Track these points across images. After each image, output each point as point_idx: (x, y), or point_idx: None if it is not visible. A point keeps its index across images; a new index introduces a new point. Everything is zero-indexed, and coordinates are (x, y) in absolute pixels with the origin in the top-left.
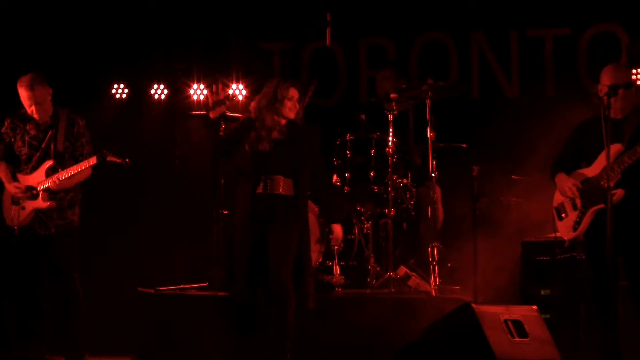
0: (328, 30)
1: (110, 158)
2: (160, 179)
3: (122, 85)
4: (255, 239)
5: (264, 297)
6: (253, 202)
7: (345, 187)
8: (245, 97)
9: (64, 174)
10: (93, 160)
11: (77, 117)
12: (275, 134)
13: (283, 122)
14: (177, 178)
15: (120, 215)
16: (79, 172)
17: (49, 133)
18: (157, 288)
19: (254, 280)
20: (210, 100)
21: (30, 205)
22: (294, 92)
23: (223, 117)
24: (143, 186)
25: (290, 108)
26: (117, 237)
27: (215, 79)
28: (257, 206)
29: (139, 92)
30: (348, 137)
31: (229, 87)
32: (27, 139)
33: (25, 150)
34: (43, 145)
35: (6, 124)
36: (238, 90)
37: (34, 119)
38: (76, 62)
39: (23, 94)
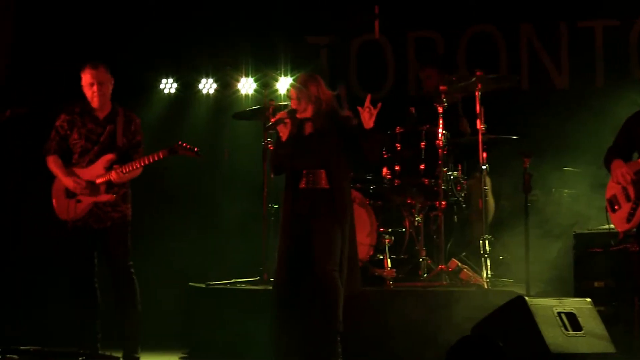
0: (376, 24)
1: (182, 151)
2: (210, 174)
3: (170, 80)
4: (298, 234)
5: (310, 292)
6: (295, 197)
7: (395, 181)
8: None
9: (128, 167)
10: (164, 153)
11: (134, 115)
12: (307, 129)
13: (304, 115)
14: (227, 172)
15: (171, 210)
16: (143, 165)
17: (108, 128)
18: (208, 283)
19: (298, 275)
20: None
21: (88, 198)
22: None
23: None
24: (193, 181)
25: (293, 103)
26: (168, 232)
27: (264, 73)
28: (296, 201)
29: (187, 86)
30: (397, 130)
31: (277, 81)
32: (84, 132)
33: (81, 143)
34: (102, 139)
35: (62, 117)
36: (286, 84)
37: (92, 113)
38: (124, 56)
39: (86, 75)
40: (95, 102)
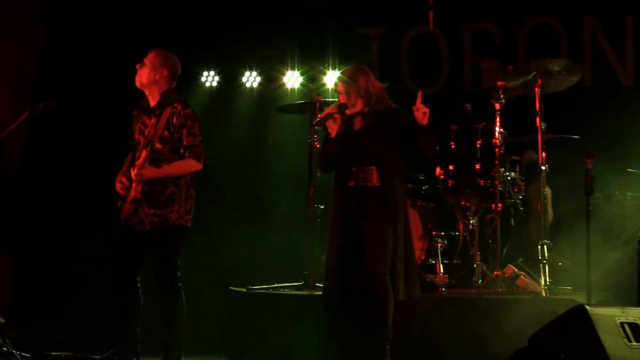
0: (430, 15)
1: None
2: (253, 172)
3: (212, 73)
4: (348, 234)
5: (359, 296)
6: (345, 196)
7: (449, 181)
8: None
9: (141, 162)
10: (156, 145)
11: (179, 106)
12: (356, 124)
13: (354, 110)
14: (271, 170)
15: (212, 210)
16: (170, 152)
17: (152, 120)
18: (249, 287)
19: (348, 278)
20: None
21: (129, 197)
22: (339, 86)
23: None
24: (235, 180)
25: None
26: (209, 232)
27: (311, 66)
28: (347, 201)
29: (230, 79)
30: (452, 127)
31: (325, 74)
32: (138, 125)
33: (136, 137)
34: (146, 133)
35: (134, 111)
36: (334, 78)
37: (146, 105)
38: (163, 48)
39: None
40: (138, 84)
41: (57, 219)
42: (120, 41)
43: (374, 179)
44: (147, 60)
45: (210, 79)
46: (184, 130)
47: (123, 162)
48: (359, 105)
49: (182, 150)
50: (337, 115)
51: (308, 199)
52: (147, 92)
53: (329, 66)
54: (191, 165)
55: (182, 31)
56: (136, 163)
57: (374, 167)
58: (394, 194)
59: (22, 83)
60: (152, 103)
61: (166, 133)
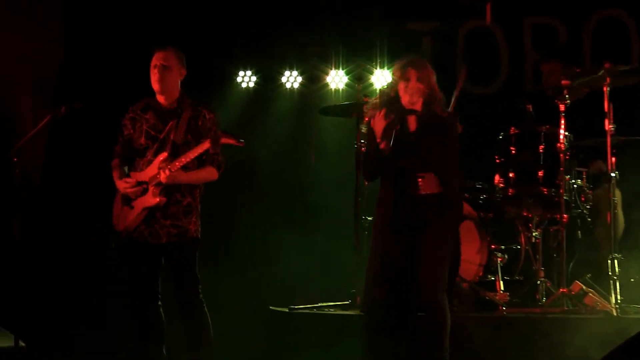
0: (488, 8)
1: (224, 140)
2: (294, 181)
3: (249, 73)
4: (398, 246)
5: (412, 316)
6: (396, 206)
7: (509, 190)
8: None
9: (175, 164)
10: (206, 144)
11: (205, 109)
12: (411, 124)
13: (415, 107)
14: (313, 178)
15: (248, 223)
16: (199, 162)
17: (170, 123)
18: (291, 306)
19: (398, 296)
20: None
21: (140, 203)
22: (405, 73)
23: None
24: (274, 188)
25: (404, 90)
26: (246, 247)
27: (357, 64)
28: (401, 210)
29: (268, 80)
30: (512, 130)
31: (372, 73)
32: (145, 127)
33: (141, 140)
34: (161, 136)
35: (126, 115)
36: (383, 78)
37: (156, 107)
38: (195, 46)
39: (153, 58)
40: (155, 87)
41: (80, 233)
42: (145, 39)
43: (434, 186)
44: (170, 63)
45: (246, 79)
46: (209, 137)
47: (119, 170)
48: (419, 102)
49: (203, 157)
50: (391, 116)
51: (355, 211)
52: (163, 76)
53: (376, 65)
54: (211, 173)
55: (215, 28)
56: (162, 165)
57: (432, 173)
58: (455, 203)
59: (42, 84)
60: (166, 104)
61: (189, 137)
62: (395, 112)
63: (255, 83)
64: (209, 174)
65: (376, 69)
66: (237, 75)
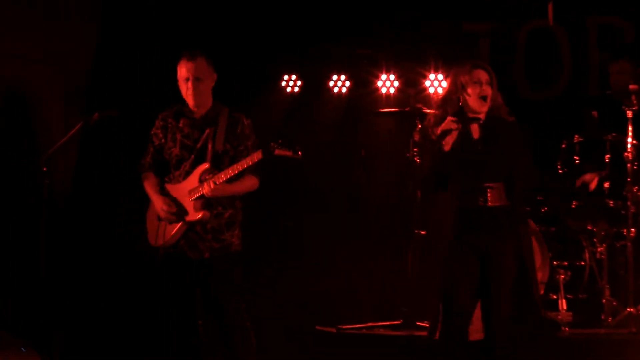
0: (550, 7)
1: (279, 151)
2: (341, 190)
3: (294, 77)
4: (468, 265)
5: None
6: (463, 219)
7: (573, 202)
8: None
9: (221, 176)
10: (258, 155)
11: (242, 116)
12: (473, 132)
13: (479, 115)
14: (362, 188)
15: (291, 235)
16: (239, 172)
17: (207, 131)
18: (339, 326)
19: (466, 319)
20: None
21: (180, 219)
22: (479, 74)
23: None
24: (320, 200)
25: (479, 94)
26: (289, 261)
27: (409, 68)
28: (468, 224)
29: (314, 84)
30: (576, 138)
31: (425, 78)
32: (179, 137)
33: (176, 151)
34: (198, 146)
35: (156, 123)
36: (437, 82)
37: (189, 115)
38: (238, 49)
39: (181, 68)
40: (190, 101)
41: (113, 248)
42: (183, 42)
43: (503, 198)
44: (203, 74)
45: (291, 83)
46: (249, 143)
47: (155, 185)
48: (484, 109)
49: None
50: (458, 125)
51: (407, 223)
52: (195, 88)
53: (430, 68)
54: (254, 184)
55: (258, 30)
56: (204, 177)
57: (501, 184)
58: (523, 216)
59: (74, 89)
60: (200, 111)
61: (227, 146)
62: (458, 119)
63: (301, 87)
64: (251, 185)
65: (430, 72)
66: (281, 79)
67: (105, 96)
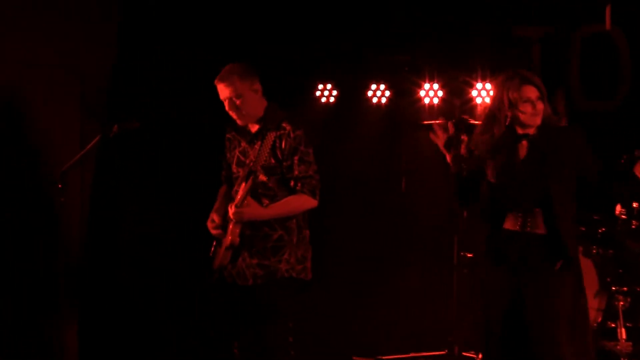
0: (608, 10)
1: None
2: (380, 209)
3: (329, 86)
4: (509, 292)
5: None
6: (503, 246)
7: (633, 222)
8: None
9: (238, 197)
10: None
11: (290, 125)
12: (520, 150)
13: (529, 130)
14: (403, 206)
15: (326, 257)
16: (275, 186)
17: (256, 145)
18: (378, 357)
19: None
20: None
21: (224, 241)
22: (529, 92)
23: (465, 126)
24: (358, 218)
25: (532, 113)
26: (323, 286)
27: (454, 76)
28: (509, 251)
29: (351, 94)
30: (637, 153)
31: (472, 87)
32: (237, 153)
33: (234, 168)
34: (248, 161)
35: (226, 135)
36: (485, 92)
37: (245, 127)
38: (267, 56)
39: (219, 92)
40: (238, 121)
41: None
42: (211, 48)
43: (543, 225)
44: (239, 91)
45: (326, 93)
46: (295, 158)
47: (219, 198)
48: (534, 126)
49: (292, 183)
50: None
51: (452, 245)
52: (234, 108)
53: (477, 77)
54: (304, 202)
55: (288, 35)
56: (236, 199)
57: (539, 210)
58: (569, 243)
59: (92, 98)
60: (248, 121)
61: (272, 161)
62: (502, 137)
63: (337, 97)
64: (301, 203)
65: (477, 81)
66: (315, 89)
67: (125, 106)
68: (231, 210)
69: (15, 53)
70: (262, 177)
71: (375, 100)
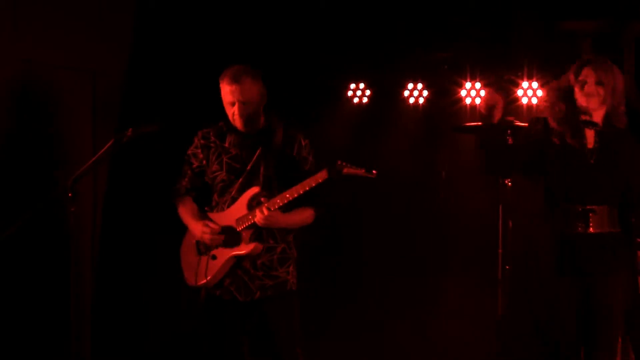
0: None
1: (347, 170)
2: (418, 217)
3: (362, 86)
4: (571, 301)
5: None
6: (565, 248)
7: None
8: (543, 99)
9: (276, 201)
10: (322, 176)
11: (299, 134)
12: (584, 141)
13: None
14: (442, 215)
15: (358, 268)
16: (295, 197)
17: (258, 151)
18: None
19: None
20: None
21: (225, 252)
22: (588, 72)
23: (510, 127)
24: (394, 227)
25: (589, 94)
26: (359, 301)
27: (498, 75)
28: (572, 253)
29: (386, 94)
30: None
31: (518, 85)
32: (225, 159)
33: (222, 176)
34: (248, 168)
35: (195, 141)
36: (531, 91)
37: (236, 132)
38: (294, 54)
39: (225, 89)
40: (237, 125)
41: (152, 286)
42: (231, 47)
43: (610, 224)
44: (250, 97)
45: (359, 93)
46: (305, 167)
47: (191, 210)
48: (600, 113)
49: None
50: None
51: (498, 256)
52: (242, 110)
53: (522, 75)
54: (308, 216)
55: (316, 32)
56: (244, 205)
57: (608, 208)
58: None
59: (104, 99)
60: (250, 126)
61: (280, 169)
62: (567, 124)
63: (369, 98)
64: (306, 217)
65: (522, 80)
66: (347, 89)
67: (141, 108)
68: (261, 214)
69: (19, 51)
70: (268, 184)
71: (412, 100)
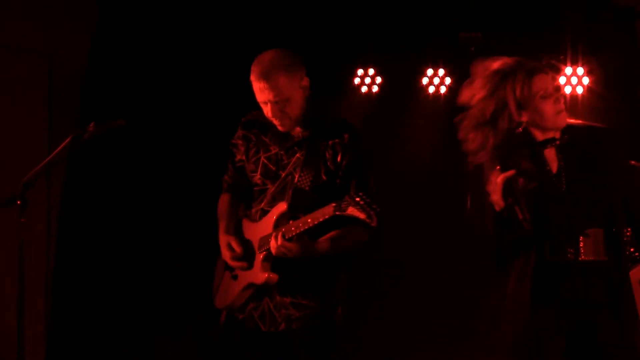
0: None
1: (352, 210)
2: (441, 221)
3: (371, 72)
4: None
5: None
6: (544, 280)
7: None
8: (588, 87)
9: (291, 229)
10: (328, 211)
11: (348, 131)
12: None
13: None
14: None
15: (382, 281)
16: (319, 222)
17: (297, 155)
18: None
19: None
20: None
21: (243, 277)
22: (543, 82)
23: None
24: (413, 232)
25: (556, 112)
26: (385, 317)
27: (534, 58)
28: (552, 287)
29: (400, 81)
30: None
31: (560, 72)
32: (263, 158)
33: (257, 178)
34: (283, 174)
35: (238, 130)
36: (575, 78)
37: (277, 128)
38: (297, 38)
39: (254, 85)
40: (276, 123)
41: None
42: (214, 26)
43: (602, 250)
44: (285, 94)
45: (368, 80)
46: (355, 178)
47: (226, 214)
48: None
49: (344, 205)
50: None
51: None
52: (276, 111)
53: (565, 59)
54: (361, 235)
55: (322, 15)
56: (270, 223)
57: (601, 230)
58: (627, 271)
59: (62, 91)
60: (290, 125)
61: (324, 178)
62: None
63: (380, 87)
64: (358, 236)
65: (566, 65)
66: (354, 76)
67: (104, 100)
68: (274, 243)
69: None
70: (302, 198)
71: (432, 89)
